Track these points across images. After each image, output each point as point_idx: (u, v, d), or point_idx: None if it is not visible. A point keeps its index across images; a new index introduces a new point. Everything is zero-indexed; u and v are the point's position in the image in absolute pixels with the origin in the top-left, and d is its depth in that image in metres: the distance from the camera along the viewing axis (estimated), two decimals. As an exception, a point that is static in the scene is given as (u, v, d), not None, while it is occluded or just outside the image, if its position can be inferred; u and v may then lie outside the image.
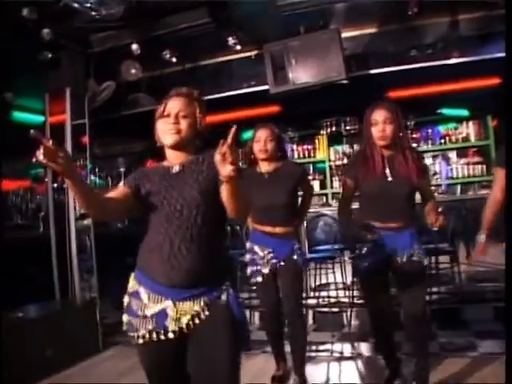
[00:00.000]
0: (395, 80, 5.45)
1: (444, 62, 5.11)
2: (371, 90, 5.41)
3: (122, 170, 9.12)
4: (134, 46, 4.61)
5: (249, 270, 3.55)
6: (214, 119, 6.57)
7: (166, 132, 1.98)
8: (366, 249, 3.04)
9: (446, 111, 7.05)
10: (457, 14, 4.75)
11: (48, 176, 5.15)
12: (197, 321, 1.85)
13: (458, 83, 5.87)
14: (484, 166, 6.98)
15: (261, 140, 3.36)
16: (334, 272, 5.17)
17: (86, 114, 4.98)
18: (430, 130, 7.40)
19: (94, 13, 3.94)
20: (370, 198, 3.06)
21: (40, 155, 1.51)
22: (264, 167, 3.45)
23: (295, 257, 3.38)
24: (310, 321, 5.17)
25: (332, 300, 5.27)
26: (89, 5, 3.87)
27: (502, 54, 4.94)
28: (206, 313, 1.86)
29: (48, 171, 5.11)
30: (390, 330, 3.23)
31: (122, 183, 2.07)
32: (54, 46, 4.67)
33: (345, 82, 4.61)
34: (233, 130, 1.58)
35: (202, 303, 1.86)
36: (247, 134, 7.55)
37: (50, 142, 1.52)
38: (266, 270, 3.42)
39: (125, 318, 1.94)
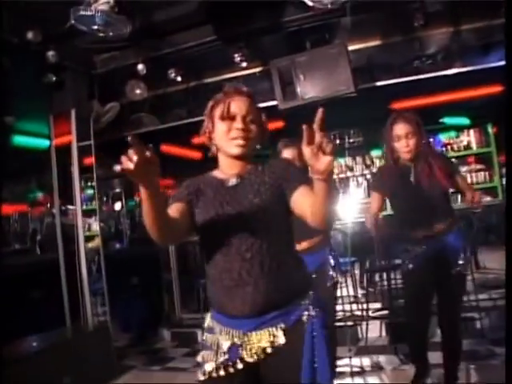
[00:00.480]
0: (398, 91, 5.47)
1: (445, 72, 5.13)
2: (375, 102, 5.45)
3: (118, 190, 9.09)
4: (140, 66, 4.58)
5: None
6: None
7: (230, 139, 1.70)
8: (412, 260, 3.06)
9: (448, 120, 7.09)
10: (459, 24, 4.77)
11: (55, 197, 5.04)
12: (270, 350, 1.63)
13: (459, 92, 5.91)
14: (487, 173, 7.00)
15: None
16: (346, 285, 5.13)
17: (92, 135, 4.92)
18: (431, 140, 7.37)
19: (101, 34, 3.88)
20: (405, 209, 3.06)
21: (127, 163, 1.23)
22: None
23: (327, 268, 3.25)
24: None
25: (347, 314, 5.21)
26: (96, 27, 3.81)
27: (503, 63, 5.02)
28: (282, 341, 1.62)
29: (53, 194, 5.02)
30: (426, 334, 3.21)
31: (171, 200, 1.78)
32: (57, 67, 4.62)
33: (353, 95, 4.59)
34: (320, 112, 1.26)
35: (278, 330, 1.63)
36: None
37: (149, 150, 1.26)
38: None
39: (199, 358, 1.76)
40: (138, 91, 4.86)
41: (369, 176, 7.40)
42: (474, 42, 4.99)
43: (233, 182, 1.75)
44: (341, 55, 4.50)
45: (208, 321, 1.78)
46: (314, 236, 3.21)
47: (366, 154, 7.71)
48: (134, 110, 5.50)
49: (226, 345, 1.66)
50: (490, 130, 7.04)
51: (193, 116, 5.67)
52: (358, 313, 5.13)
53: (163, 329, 5.79)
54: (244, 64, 4.81)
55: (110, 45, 4.44)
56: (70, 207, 4.96)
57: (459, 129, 7.27)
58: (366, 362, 4.31)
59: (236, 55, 4.69)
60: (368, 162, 7.75)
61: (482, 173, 7.01)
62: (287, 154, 3.20)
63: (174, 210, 1.71)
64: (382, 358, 4.32)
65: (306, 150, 1.28)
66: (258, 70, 5.06)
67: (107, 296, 4.86)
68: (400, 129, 2.94)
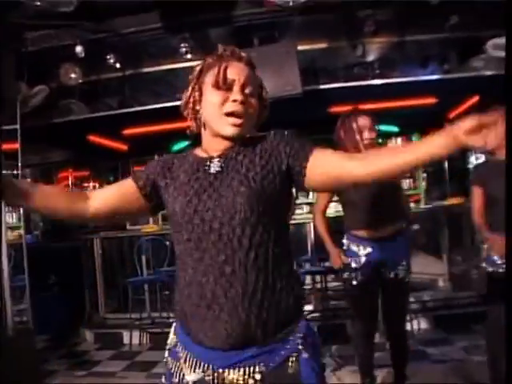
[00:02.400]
0: (337, 95, 5.53)
1: (382, 81, 5.27)
2: (315, 104, 5.48)
3: (29, 180, 8.49)
4: (79, 49, 4.23)
5: None
6: (148, 130, 6.36)
7: (223, 115, 1.32)
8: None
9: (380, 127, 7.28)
10: (402, 35, 4.90)
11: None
12: None
13: (392, 101, 6.07)
14: (411, 180, 7.29)
15: None
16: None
17: (18, 119, 4.50)
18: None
19: (38, 4, 3.52)
20: (355, 208, 3.02)
21: None
22: None
23: None
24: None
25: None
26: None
27: (438, 76, 5.24)
28: None
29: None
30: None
31: (131, 175, 1.49)
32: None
33: (299, 96, 4.57)
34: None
35: (256, 374, 1.24)
36: (180, 145, 7.39)
37: None
38: None
39: (163, 379, 1.41)
40: (72, 75, 4.52)
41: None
42: (413, 54, 5.16)
43: (215, 166, 1.35)
44: (289, 55, 4.46)
45: (171, 337, 1.42)
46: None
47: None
48: (64, 96, 5.12)
49: (191, 379, 1.30)
50: (416, 138, 7.34)
51: (125, 107, 5.41)
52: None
53: (85, 330, 5.44)
54: (189, 56, 4.63)
55: (46, 22, 4.08)
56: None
57: (387, 136, 7.51)
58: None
59: (182, 45, 4.49)
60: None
61: (408, 180, 7.30)
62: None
63: (116, 188, 1.49)
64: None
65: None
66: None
67: (28, 294, 4.46)
68: (364, 120, 2.93)
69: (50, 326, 5.36)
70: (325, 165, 1.29)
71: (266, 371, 1.25)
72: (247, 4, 4.30)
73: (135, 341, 5.01)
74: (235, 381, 1.25)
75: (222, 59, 1.37)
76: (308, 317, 4.91)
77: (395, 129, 7.35)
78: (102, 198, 1.45)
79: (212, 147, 1.39)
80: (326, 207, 3.20)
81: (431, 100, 5.76)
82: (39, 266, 5.01)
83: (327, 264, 5.40)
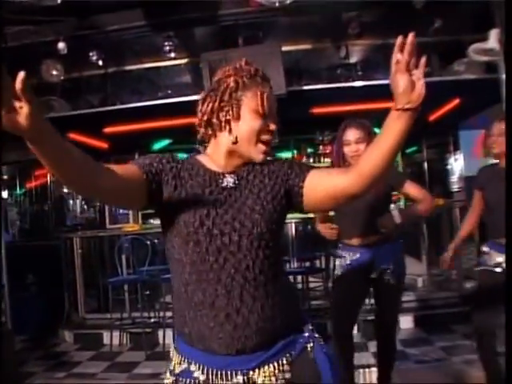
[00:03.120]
0: (320, 96, 5.55)
1: (366, 83, 5.30)
2: (298, 105, 5.49)
3: (6, 177, 8.34)
4: (61, 45, 4.15)
5: None
6: (130, 128, 6.30)
7: (257, 142, 1.36)
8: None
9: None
10: (387, 37, 4.94)
11: None
12: None
13: (374, 103, 6.11)
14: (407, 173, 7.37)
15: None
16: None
17: (-4, 116, 4.40)
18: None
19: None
20: (344, 215, 3.04)
21: None
22: None
23: None
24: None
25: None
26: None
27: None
28: (288, 375, 1.34)
29: None
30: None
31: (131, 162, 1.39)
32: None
33: (283, 96, 4.57)
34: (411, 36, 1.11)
35: (285, 366, 1.34)
36: (161, 144, 7.34)
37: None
38: None
39: None
40: (54, 72, 4.44)
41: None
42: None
43: (230, 181, 1.39)
44: (274, 55, 4.46)
45: (177, 359, 1.40)
46: None
47: (277, 155, 7.81)
48: (45, 92, 5.04)
49: None
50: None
51: (107, 104, 5.35)
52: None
53: (64, 330, 5.36)
54: (172, 54, 4.60)
55: (28, 17, 4.01)
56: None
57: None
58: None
59: (165, 44, 4.46)
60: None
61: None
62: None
63: (123, 170, 1.29)
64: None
65: (394, 63, 1.13)
66: (186, 61, 4.86)
67: (7, 294, 4.38)
68: (351, 134, 2.92)
69: (27, 327, 5.27)
70: (321, 183, 1.37)
71: (291, 359, 1.35)
72: (232, 4, 4.29)
73: (115, 341, 4.94)
74: (267, 376, 1.32)
75: (256, 81, 1.38)
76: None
77: (377, 130, 7.38)
78: (113, 173, 1.26)
79: (225, 162, 1.42)
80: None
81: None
82: (16, 266, 4.93)
83: (307, 264, 5.46)
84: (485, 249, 3.08)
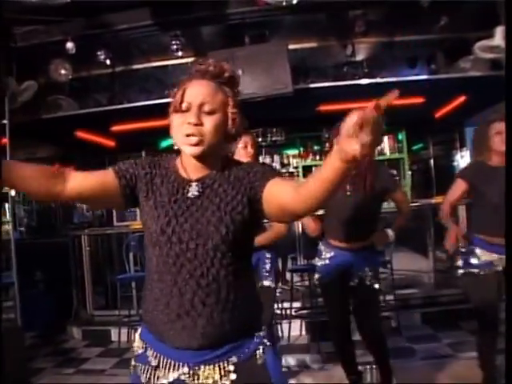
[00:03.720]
0: (327, 94, 5.56)
1: (370, 81, 5.31)
2: (304, 103, 5.51)
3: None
4: (70, 45, 4.19)
5: None
6: (137, 127, 6.33)
7: (182, 137, 1.39)
8: None
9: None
10: (392, 35, 4.95)
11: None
12: None
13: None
14: (397, 179, 7.35)
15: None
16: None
17: (7, 114, 4.45)
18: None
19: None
20: (334, 216, 3.08)
21: None
22: None
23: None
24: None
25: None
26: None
27: (425, 76, 5.31)
28: (233, 377, 1.40)
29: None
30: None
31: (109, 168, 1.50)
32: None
33: (290, 94, 4.59)
34: (394, 93, 1.01)
35: (229, 365, 1.41)
36: (168, 142, 7.36)
37: None
38: None
39: None
40: (62, 71, 4.48)
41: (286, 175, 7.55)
42: (402, 54, 5.22)
43: (194, 191, 1.45)
44: (280, 54, 4.48)
45: (138, 344, 1.51)
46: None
47: (283, 152, 7.89)
48: (53, 91, 5.08)
49: (166, 381, 1.42)
50: (403, 137, 7.42)
51: (114, 103, 5.39)
52: (278, 311, 5.14)
53: (72, 327, 5.42)
54: (180, 53, 4.62)
55: (35, 17, 4.05)
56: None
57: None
58: (291, 361, 4.34)
59: (173, 42, 4.48)
60: (285, 161, 7.89)
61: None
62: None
63: (97, 176, 1.48)
64: (306, 357, 4.37)
65: (349, 123, 0.98)
66: (193, 60, 4.88)
67: (17, 291, 4.43)
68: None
69: (36, 324, 5.32)
70: (277, 194, 1.36)
71: (237, 362, 1.41)
72: (239, 3, 4.30)
73: (124, 338, 4.98)
74: (210, 375, 1.40)
75: (190, 78, 1.44)
76: (296, 314, 4.98)
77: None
78: (81, 181, 1.45)
79: (190, 166, 1.48)
80: None
81: (418, 100, 5.82)
82: (24, 263, 4.98)
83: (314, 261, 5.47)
84: (471, 247, 3.09)
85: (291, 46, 4.78)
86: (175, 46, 4.50)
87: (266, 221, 3.48)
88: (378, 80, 5.28)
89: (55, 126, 5.74)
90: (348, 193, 2.98)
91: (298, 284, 5.45)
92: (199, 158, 1.44)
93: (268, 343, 1.48)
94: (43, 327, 5.44)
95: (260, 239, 2.88)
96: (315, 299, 4.93)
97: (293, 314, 4.92)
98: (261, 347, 1.46)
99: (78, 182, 1.44)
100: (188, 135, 1.38)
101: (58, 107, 5.16)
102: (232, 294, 1.40)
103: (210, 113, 1.40)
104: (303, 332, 4.96)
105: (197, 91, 1.40)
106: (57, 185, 1.41)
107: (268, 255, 3.07)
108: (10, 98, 4.51)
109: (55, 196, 1.44)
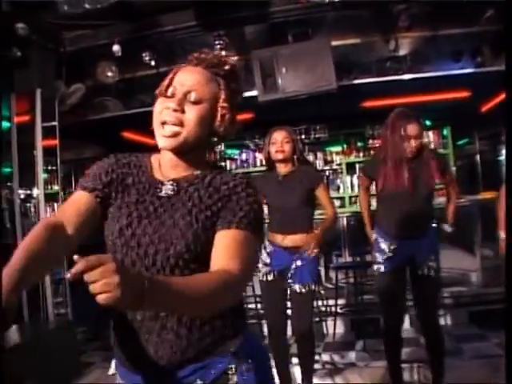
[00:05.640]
0: (370, 90, 5.52)
1: (413, 76, 5.23)
2: (348, 99, 5.48)
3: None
4: (116, 47, 4.29)
5: None
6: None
7: (158, 127, 1.25)
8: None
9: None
10: (436, 29, 4.86)
11: (14, 181, 4.62)
12: None
13: (425, 95, 6.03)
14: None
15: (277, 142, 3.25)
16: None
17: (57, 116, 4.60)
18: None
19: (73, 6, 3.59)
20: (393, 209, 3.11)
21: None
22: (280, 169, 3.33)
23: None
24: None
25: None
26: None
27: (471, 70, 5.19)
28: None
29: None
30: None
31: (78, 187, 1.33)
32: (23, 42, 4.27)
33: (334, 91, 4.58)
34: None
35: None
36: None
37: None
38: None
39: None
40: (109, 74, 4.60)
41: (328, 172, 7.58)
42: (446, 47, 5.11)
43: (167, 190, 1.29)
44: (324, 51, 4.47)
45: (113, 366, 1.38)
46: (298, 233, 3.24)
47: (327, 149, 7.86)
48: (100, 93, 5.22)
49: None
50: (449, 133, 7.29)
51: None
52: (323, 308, 5.13)
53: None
54: (223, 52, 4.66)
55: (83, 22, 4.17)
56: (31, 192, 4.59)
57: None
58: (336, 358, 4.33)
59: (216, 42, 4.54)
60: (328, 158, 7.87)
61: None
62: (277, 135, 3.30)
63: (77, 207, 1.28)
64: (351, 355, 4.36)
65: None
66: (236, 59, 4.93)
67: (68, 287, 4.58)
68: (412, 128, 2.99)
69: (86, 318, 5.47)
70: (214, 249, 1.22)
71: (206, 382, 1.24)
72: (281, 1, 4.32)
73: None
74: None
75: (184, 64, 1.32)
76: (341, 311, 4.97)
77: (428, 123, 7.30)
78: (74, 223, 1.27)
79: (166, 165, 1.34)
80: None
81: (464, 94, 5.71)
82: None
83: (359, 259, 5.45)
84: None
85: (334, 43, 4.76)
86: (219, 46, 4.54)
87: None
88: (422, 75, 5.21)
89: (102, 127, 5.89)
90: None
91: (343, 281, 5.42)
92: (178, 155, 1.29)
93: (242, 363, 1.27)
94: (93, 322, 5.58)
95: (324, 228, 3.25)
96: (360, 296, 4.92)
97: (338, 311, 4.90)
98: (232, 366, 1.26)
99: (72, 223, 1.26)
100: (164, 123, 1.23)
101: (104, 108, 5.29)
102: None
103: (196, 102, 1.24)
104: (348, 329, 4.95)
105: (186, 77, 1.26)
106: (70, 244, 1.24)
107: (305, 255, 3.16)
108: (60, 100, 4.67)
109: (72, 243, 1.24)
